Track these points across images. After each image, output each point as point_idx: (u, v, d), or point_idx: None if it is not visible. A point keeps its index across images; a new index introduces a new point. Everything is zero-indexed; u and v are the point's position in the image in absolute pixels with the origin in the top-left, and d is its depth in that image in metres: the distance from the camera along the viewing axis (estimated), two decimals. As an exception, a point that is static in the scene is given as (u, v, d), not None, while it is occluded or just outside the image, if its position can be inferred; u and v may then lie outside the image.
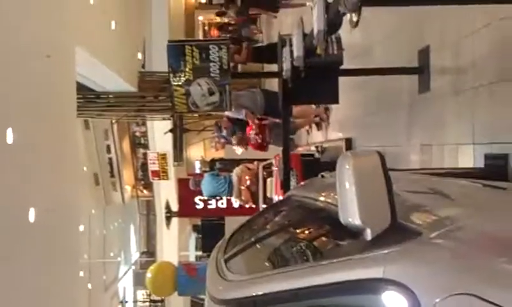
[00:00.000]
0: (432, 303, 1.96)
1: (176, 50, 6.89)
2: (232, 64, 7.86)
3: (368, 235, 2.35)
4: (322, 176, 4.28)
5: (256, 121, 9.98)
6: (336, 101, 6.55)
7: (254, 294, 2.85)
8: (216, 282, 3.35)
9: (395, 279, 2.11)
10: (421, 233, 2.29)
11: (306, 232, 3.38)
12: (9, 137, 8.36)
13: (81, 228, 14.35)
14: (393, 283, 2.11)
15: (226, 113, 9.86)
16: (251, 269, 3.45)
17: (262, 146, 10.34)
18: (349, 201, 2.38)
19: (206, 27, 25.96)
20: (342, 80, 6.42)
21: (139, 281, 20.74)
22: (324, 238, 3.08)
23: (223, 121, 11.35)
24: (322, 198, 3.38)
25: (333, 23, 3.96)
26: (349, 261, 2.37)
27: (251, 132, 10.22)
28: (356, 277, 2.27)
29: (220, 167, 13.71)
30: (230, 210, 12.53)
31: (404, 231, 2.35)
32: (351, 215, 2.38)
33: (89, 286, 18.37)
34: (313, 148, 10.05)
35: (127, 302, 26.10)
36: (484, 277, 1.93)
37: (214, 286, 3.37)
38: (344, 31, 6.62)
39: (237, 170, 10.23)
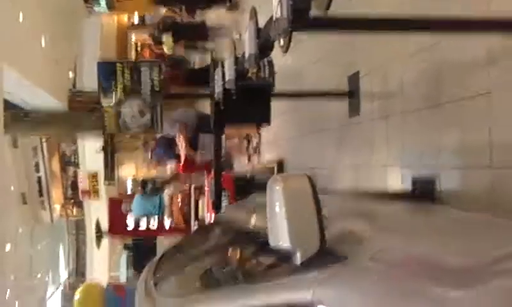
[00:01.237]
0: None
1: (106, 69, 6.83)
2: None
3: (298, 258, 2.38)
4: (253, 198, 4.31)
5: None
6: (268, 121, 6.58)
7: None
8: (145, 304, 3.33)
9: (323, 302, 2.14)
10: (347, 257, 2.33)
11: (237, 254, 3.39)
12: None
13: (7, 247, 14.00)
14: (319, 304, 2.14)
15: (158, 135, 9.81)
16: (181, 291, 3.44)
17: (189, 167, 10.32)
18: (278, 224, 2.40)
19: (139, 48, 25.75)
20: (274, 103, 6.47)
21: (67, 302, 20.27)
22: (254, 261, 3.10)
23: (150, 144, 11.36)
24: (252, 220, 3.40)
25: (264, 47, 4.00)
26: (278, 284, 2.40)
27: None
28: (285, 300, 2.30)
29: (152, 187, 13.61)
30: (161, 231, 12.43)
31: (332, 254, 2.39)
32: (281, 239, 2.40)
33: (16, 306, 17.93)
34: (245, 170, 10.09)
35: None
36: (408, 300, 1.98)
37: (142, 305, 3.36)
38: (277, 54, 6.71)
39: (168, 190, 10.19)
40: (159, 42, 13.84)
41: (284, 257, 2.48)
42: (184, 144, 10.18)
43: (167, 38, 12.92)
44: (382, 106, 5.47)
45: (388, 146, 5.31)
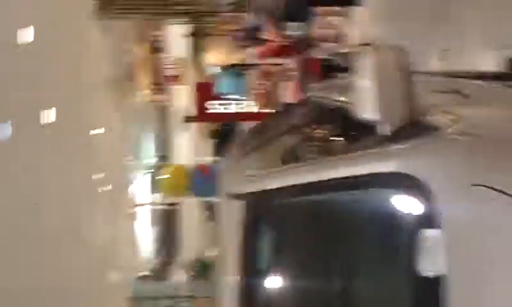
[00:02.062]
0: (447, 196, 1.96)
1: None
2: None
3: (387, 129, 2.32)
4: (341, 78, 4.25)
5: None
6: (358, 3, 6.39)
7: (270, 188, 2.86)
8: (231, 177, 3.37)
9: (410, 173, 2.10)
10: (438, 129, 2.27)
11: (323, 129, 3.37)
12: (31, 36, 8.37)
13: (99, 130, 14.45)
14: (408, 177, 2.10)
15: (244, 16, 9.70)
16: (267, 164, 3.46)
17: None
18: (368, 95, 2.35)
19: None
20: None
21: (155, 184, 20.96)
22: (341, 135, 3.06)
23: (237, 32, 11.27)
24: (339, 97, 3.35)
25: None
26: (365, 155, 2.36)
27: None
28: (372, 170, 2.27)
29: (238, 70, 13.61)
30: (249, 115, 12.47)
31: (422, 126, 2.32)
32: (370, 110, 2.35)
33: (110, 187, 18.65)
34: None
35: (142, 204, 26.47)
36: (499, 170, 1.92)
37: (229, 181, 3.40)
38: None
39: (254, 72, 10.16)
40: None
41: (371, 130, 2.44)
42: (271, 35, 10.08)
43: None
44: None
45: (481, 28, 5.10)
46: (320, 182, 2.49)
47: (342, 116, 3.00)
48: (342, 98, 3.27)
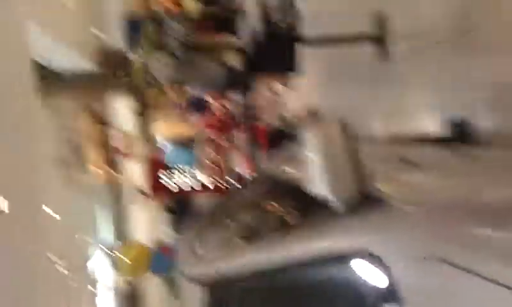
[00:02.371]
0: (402, 270, 1.98)
1: (132, 25, 6.79)
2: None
3: (340, 206, 2.34)
4: (287, 148, 4.27)
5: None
6: (295, 69, 6.49)
7: (227, 270, 2.84)
8: (190, 260, 3.34)
9: (365, 248, 2.12)
10: (388, 201, 2.29)
11: (278, 204, 3.37)
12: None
13: (49, 210, 14.24)
14: (363, 252, 2.12)
15: (189, 90, 9.77)
16: (225, 244, 3.44)
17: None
18: (315, 173, 2.38)
19: None
20: (303, 49, 6.36)
21: (111, 263, 20.62)
22: (294, 210, 3.07)
23: (182, 104, 11.37)
24: (288, 170, 3.37)
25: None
26: (321, 233, 2.37)
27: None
28: (329, 248, 2.28)
29: (186, 142, 13.63)
30: (201, 190, 12.44)
31: (371, 199, 2.35)
32: (319, 188, 2.37)
33: (61, 269, 18.28)
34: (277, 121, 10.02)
35: (99, 285, 25.94)
36: (452, 243, 1.94)
37: (188, 264, 3.36)
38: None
39: (202, 144, 10.18)
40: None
41: (323, 205, 2.46)
42: (215, 106, 10.20)
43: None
44: (412, 46, 5.35)
45: (423, 89, 5.20)
46: (278, 262, 2.49)
47: (294, 189, 3.01)
48: (292, 171, 3.29)
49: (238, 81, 6.84)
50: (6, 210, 8.62)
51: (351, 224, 2.25)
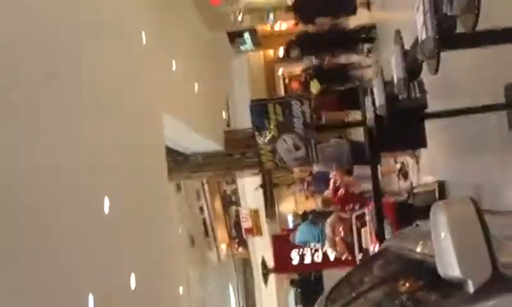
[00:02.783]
0: None
1: (259, 109, 6.99)
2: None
3: (471, 286, 2.29)
4: (417, 225, 4.23)
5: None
6: (424, 145, 6.45)
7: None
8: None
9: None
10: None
11: (406, 285, 3.32)
12: (106, 207, 8.63)
13: (181, 290, 14.51)
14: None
15: (314, 168, 9.91)
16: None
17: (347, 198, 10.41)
18: (446, 252, 2.34)
19: (286, 80, 26.20)
20: (428, 122, 6.32)
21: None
22: (425, 291, 3.01)
23: (306, 179, 11.56)
24: (418, 249, 3.33)
25: (412, 71, 3.95)
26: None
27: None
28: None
29: (312, 218, 13.68)
30: (325, 264, 12.40)
31: (507, 279, 2.28)
32: (450, 267, 2.33)
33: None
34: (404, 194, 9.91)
35: None
36: None
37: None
38: (425, 72, 6.53)
39: (330, 220, 10.17)
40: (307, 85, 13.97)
41: (456, 286, 2.41)
42: (340, 181, 10.27)
43: (314, 83, 13.13)
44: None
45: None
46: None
47: (425, 268, 2.96)
48: (422, 250, 3.24)
49: (364, 156, 6.85)
50: (133, 286, 8.90)
51: (485, 305, 2.19)
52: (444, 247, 2.35)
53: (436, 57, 3.14)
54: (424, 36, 3.06)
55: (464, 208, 2.41)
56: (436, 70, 3.24)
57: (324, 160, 8.55)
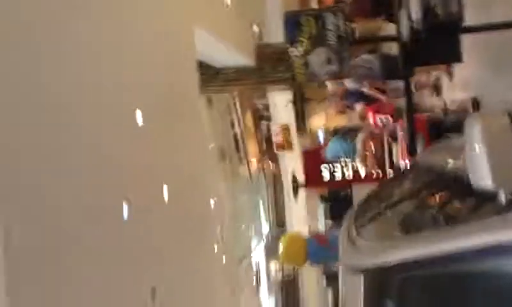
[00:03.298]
0: None
1: (292, 21, 6.92)
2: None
3: (503, 196, 2.30)
4: (448, 138, 4.21)
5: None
6: (459, 59, 6.35)
7: (388, 260, 2.84)
8: (350, 251, 3.37)
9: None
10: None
11: (437, 197, 3.34)
12: (139, 119, 8.68)
13: (212, 202, 14.73)
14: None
15: (346, 83, 9.83)
16: (384, 235, 3.45)
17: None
18: (480, 163, 2.34)
19: (321, -3, 25.75)
20: (464, 37, 6.22)
21: (271, 253, 21.04)
22: (456, 203, 3.03)
23: (339, 92, 11.47)
24: (450, 161, 3.32)
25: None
26: (484, 225, 2.33)
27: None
28: (492, 241, 2.24)
29: (344, 133, 13.66)
30: (356, 180, 12.44)
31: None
32: (483, 178, 2.33)
33: (224, 259, 18.77)
34: (437, 109, 9.81)
35: (260, 274, 26.53)
36: None
37: (348, 255, 3.40)
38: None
39: (361, 135, 10.16)
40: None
41: (487, 197, 2.41)
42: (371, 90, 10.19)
43: None
44: None
45: None
46: (443, 254, 2.46)
47: (456, 181, 2.97)
48: (454, 162, 3.24)
49: (397, 71, 6.78)
50: (166, 197, 9.06)
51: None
52: (477, 158, 2.35)
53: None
54: None
55: (499, 120, 2.40)
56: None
57: (355, 77, 8.49)
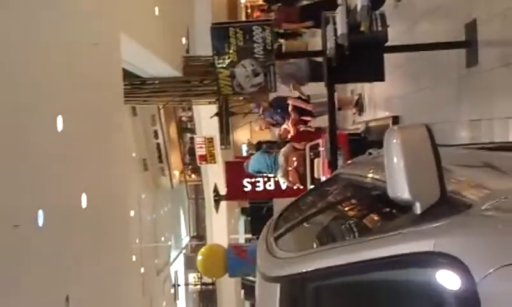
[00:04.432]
0: (484, 274, 1.95)
1: (220, 33, 6.91)
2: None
3: (418, 208, 2.33)
4: (370, 154, 4.27)
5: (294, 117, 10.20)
6: (381, 78, 6.48)
7: (305, 270, 2.85)
8: (267, 260, 3.36)
9: (446, 252, 2.09)
10: (471, 205, 2.26)
11: (355, 208, 3.38)
12: (60, 125, 8.50)
13: (132, 213, 14.54)
14: (444, 255, 2.09)
15: (271, 95, 9.91)
16: (301, 246, 3.46)
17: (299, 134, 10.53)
18: (397, 175, 2.36)
19: (249, 10, 25.99)
20: (387, 57, 6.35)
21: (190, 265, 20.97)
22: (372, 214, 3.07)
23: (262, 104, 11.56)
24: (369, 175, 3.36)
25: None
26: (399, 235, 2.36)
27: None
28: (406, 251, 2.26)
29: (266, 148, 13.74)
30: (277, 192, 12.53)
31: (453, 203, 2.32)
32: (400, 189, 2.36)
33: (142, 270, 18.59)
34: (359, 127, 10.00)
35: (179, 285, 26.35)
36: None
37: (265, 264, 3.38)
38: (388, 7, 6.53)
39: (284, 150, 10.22)
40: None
41: (403, 208, 2.44)
42: (296, 101, 10.31)
43: None
44: (501, 54, 5.26)
45: (509, 97, 5.11)
46: (355, 263, 2.48)
47: (374, 193, 3.01)
48: (373, 176, 3.29)
49: (321, 77, 6.84)
50: (84, 205, 8.85)
51: (430, 226, 2.23)
52: (395, 169, 2.37)
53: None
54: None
55: (417, 132, 2.43)
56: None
57: (282, 76, 8.56)
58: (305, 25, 11.00)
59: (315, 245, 3.26)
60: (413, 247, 2.24)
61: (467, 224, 2.18)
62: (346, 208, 3.47)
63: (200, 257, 8.77)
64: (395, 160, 2.38)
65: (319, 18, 6.64)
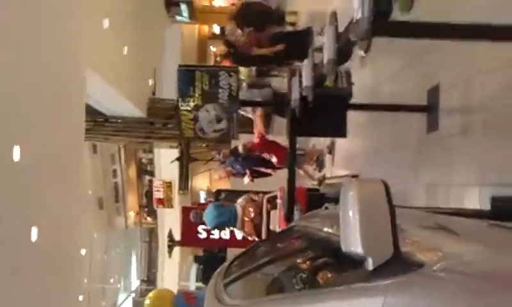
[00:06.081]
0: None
1: (186, 75, 6.91)
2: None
3: (370, 264, 2.29)
4: (326, 208, 4.25)
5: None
6: (344, 135, 6.51)
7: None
8: (213, 306, 3.30)
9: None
10: (423, 265, 2.23)
11: (307, 261, 3.33)
12: (16, 155, 8.35)
13: (83, 251, 14.26)
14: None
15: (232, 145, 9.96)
16: (250, 294, 3.41)
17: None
18: (351, 228, 2.33)
19: (218, 58, 26.17)
20: (350, 116, 6.39)
21: (138, 308, 20.58)
22: (324, 267, 3.02)
23: (223, 152, 11.59)
24: (324, 228, 3.34)
25: (343, 53, 3.94)
26: (349, 290, 2.32)
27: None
28: (355, 306, 2.22)
29: (225, 197, 13.66)
30: (232, 242, 12.43)
31: (406, 262, 2.29)
32: (353, 243, 2.32)
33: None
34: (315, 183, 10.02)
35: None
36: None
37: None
38: (354, 69, 6.59)
39: (240, 201, 10.14)
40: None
41: (356, 263, 2.41)
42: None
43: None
44: (462, 121, 5.32)
45: (467, 164, 5.14)
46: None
47: (328, 247, 2.97)
48: (328, 230, 3.26)
49: (283, 110, 6.88)
50: (34, 239, 8.64)
51: (381, 283, 2.19)
52: (350, 222, 2.34)
53: (369, 37, 3.13)
54: (359, 16, 3.04)
55: (375, 187, 2.40)
56: (367, 50, 3.24)
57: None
58: (276, 49, 11.03)
59: (263, 295, 3.19)
60: (363, 304, 2.20)
61: (417, 283, 2.14)
62: (298, 260, 3.42)
63: (147, 301, 8.62)
64: (350, 212, 2.35)
65: (290, 43, 6.68)
